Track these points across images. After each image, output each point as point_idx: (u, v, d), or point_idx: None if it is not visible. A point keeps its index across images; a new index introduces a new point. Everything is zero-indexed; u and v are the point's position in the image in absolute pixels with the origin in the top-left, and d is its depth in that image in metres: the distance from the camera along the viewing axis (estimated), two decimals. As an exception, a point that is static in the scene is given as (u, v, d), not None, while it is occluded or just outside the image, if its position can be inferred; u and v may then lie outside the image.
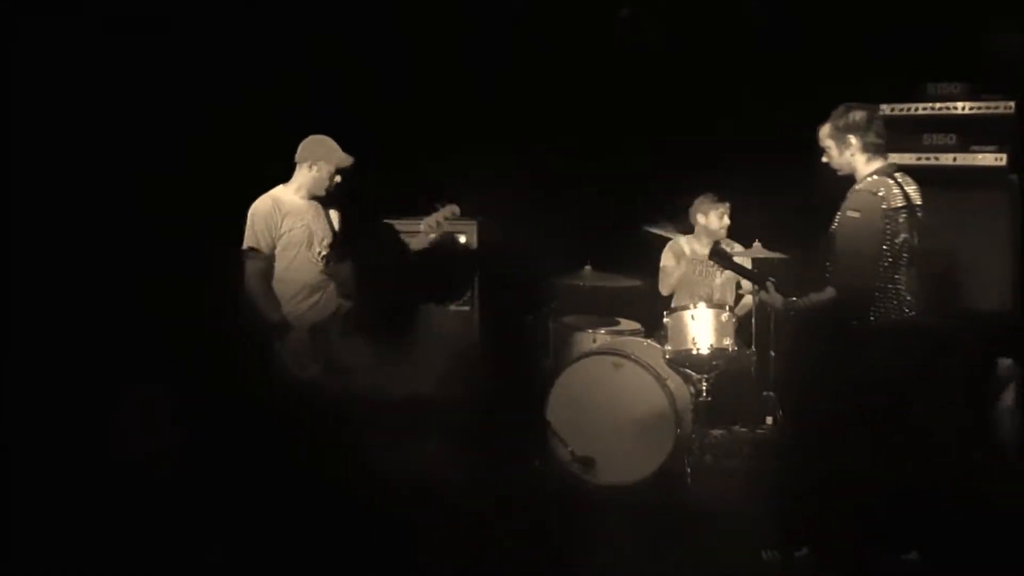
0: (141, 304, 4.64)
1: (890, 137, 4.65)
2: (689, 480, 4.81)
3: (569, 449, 4.91)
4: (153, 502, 4.02)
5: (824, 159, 3.98)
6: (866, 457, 3.69)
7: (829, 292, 3.80)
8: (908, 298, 3.81)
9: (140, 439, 4.25)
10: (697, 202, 5.41)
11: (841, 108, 3.93)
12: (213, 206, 4.83)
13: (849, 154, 3.89)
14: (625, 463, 4.84)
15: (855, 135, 3.87)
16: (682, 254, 5.43)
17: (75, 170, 4.56)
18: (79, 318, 4.46)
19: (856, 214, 3.76)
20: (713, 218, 5.34)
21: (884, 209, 3.75)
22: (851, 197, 3.84)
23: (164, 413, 4.32)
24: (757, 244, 5.04)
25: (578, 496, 4.80)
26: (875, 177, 3.84)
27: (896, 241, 3.78)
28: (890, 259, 3.78)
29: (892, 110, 4.79)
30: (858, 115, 3.88)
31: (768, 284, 4.06)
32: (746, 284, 5.18)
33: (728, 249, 5.24)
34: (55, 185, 4.49)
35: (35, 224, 4.43)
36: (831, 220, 3.90)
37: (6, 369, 4.23)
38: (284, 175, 4.44)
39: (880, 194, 3.77)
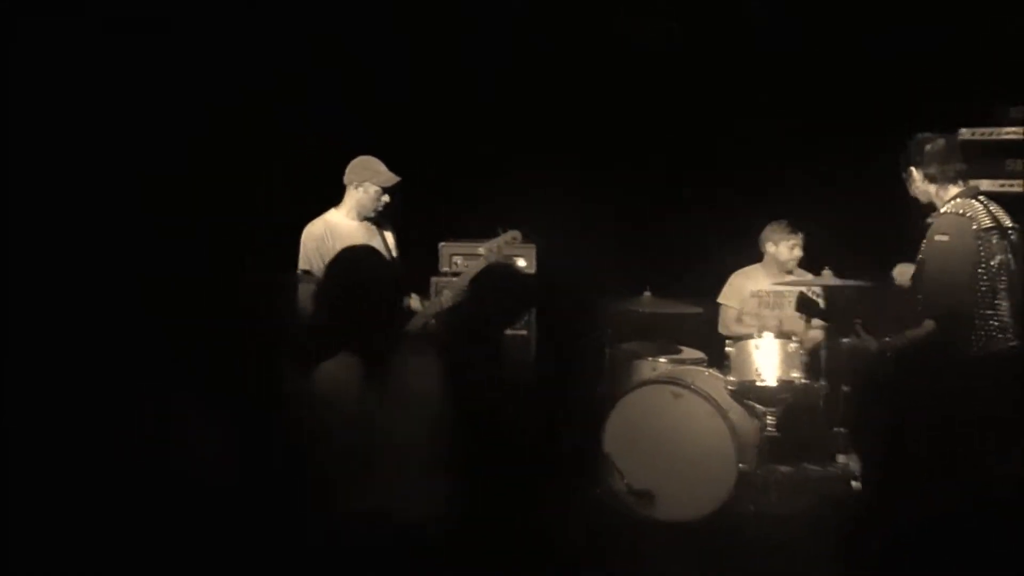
0: (141, 305, 4.58)
1: (971, 162, 4.49)
2: (753, 518, 4.60)
3: (625, 482, 4.74)
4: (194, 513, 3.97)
5: (911, 192, 3.89)
6: (960, 494, 3.49)
7: (927, 325, 3.63)
8: (1010, 325, 3.64)
9: (167, 447, 4.19)
10: (768, 230, 5.23)
11: (915, 139, 3.87)
12: (213, 206, 4.79)
13: (926, 184, 3.82)
14: (684, 498, 4.65)
15: (931, 165, 3.80)
16: (742, 291, 5.28)
17: (75, 170, 4.52)
18: (79, 320, 4.40)
19: (945, 237, 3.64)
20: (784, 249, 5.16)
21: (975, 230, 3.63)
22: (937, 222, 3.70)
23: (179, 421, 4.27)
24: (827, 272, 4.84)
25: (634, 531, 4.62)
26: (958, 200, 3.72)
27: (992, 264, 3.63)
28: (987, 283, 3.62)
29: (973, 134, 4.58)
30: (931, 144, 3.83)
31: (856, 327, 3.90)
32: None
33: (798, 279, 5.10)
34: (55, 185, 4.44)
35: (35, 224, 4.38)
36: (916, 251, 3.75)
37: (6, 370, 4.17)
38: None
39: (968, 215, 3.65)
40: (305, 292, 4.24)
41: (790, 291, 5.19)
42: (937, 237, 3.66)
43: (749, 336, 4.90)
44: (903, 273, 4.02)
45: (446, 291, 4.50)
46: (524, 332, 5.31)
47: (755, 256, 5.34)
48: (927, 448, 3.63)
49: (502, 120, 5.64)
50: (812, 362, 4.88)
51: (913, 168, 3.83)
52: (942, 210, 3.73)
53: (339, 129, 4.40)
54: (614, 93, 5.69)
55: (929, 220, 3.80)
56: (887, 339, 3.82)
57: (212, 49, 4.86)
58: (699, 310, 5.29)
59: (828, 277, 4.81)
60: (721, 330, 5.31)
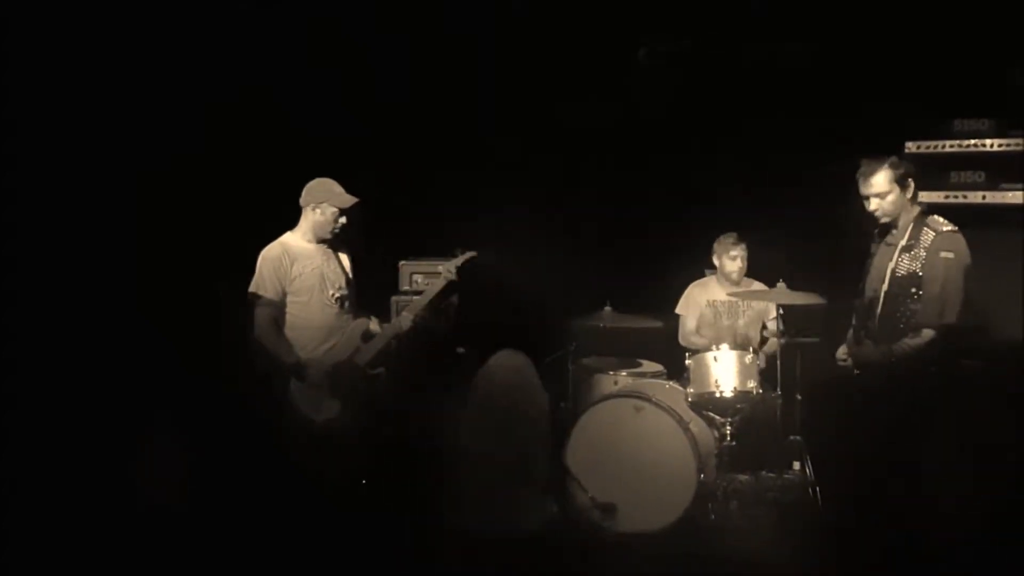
0: (137, 309, 4.58)
1: (917, 175, 4.61)
2: (714, 527, 4.67)
3: (589, 495, 4.78)
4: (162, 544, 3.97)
5: (873, 207, 3.97)
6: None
7: (927, 335, 3.80)
8: None
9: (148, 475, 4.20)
10: (716, 243, 5.35)
11: (906, 155, 4.22)
12: (212, 206, 4.79)
13: (906, 198, 3.95)
14: (647, 510, 4.70)
15: (914, 181, 3.95)
16: (698, 302, 5.37)
17: (74, 170, 4.49)
18: (79, 323, 4.40)
19: (950, 255, 3.81)
20: (726, 260, 5.27)
21: (966, 244, 3.84)
22: (938, 240, 3.84)
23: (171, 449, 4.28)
24: (781, 284, 4.94)
25: (598, 544, 4.67)
26: (932, 217, 3.91)
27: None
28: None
29: (919, 147, 4.70)
30: (911, 163, 4.00)
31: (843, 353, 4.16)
32: (771, 326, 5.10)
33: (747, 289, 5.20)
34: (54, 186, 4.41)
35: (34, 225, 4.35)
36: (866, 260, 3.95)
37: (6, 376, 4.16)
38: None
39: (956, 231, 3.85)
40: (261, 315, 4.24)
41: (744, 301, 5.28)
42: (943, 254, 3.80)
43: (707, 348, 4.98)
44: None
45: (404, 312, 4.53)
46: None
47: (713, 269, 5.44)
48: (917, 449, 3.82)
49: (461, 139, 5.70)
50: (768, 372, 4.97)
51: (912, 179, 3.95)
52: (941, 229, 3.86)
53: (296, 151, 4.40)
54: (574, 112, 5.76)
55: (894, 232, 3.93)
56: (885, 349, 3.89)
57: (212, 49, 4.84)
58: (659, 324, 5.37)
59: (781, 289, 4.91)
60: (681, 341, 5.39)
